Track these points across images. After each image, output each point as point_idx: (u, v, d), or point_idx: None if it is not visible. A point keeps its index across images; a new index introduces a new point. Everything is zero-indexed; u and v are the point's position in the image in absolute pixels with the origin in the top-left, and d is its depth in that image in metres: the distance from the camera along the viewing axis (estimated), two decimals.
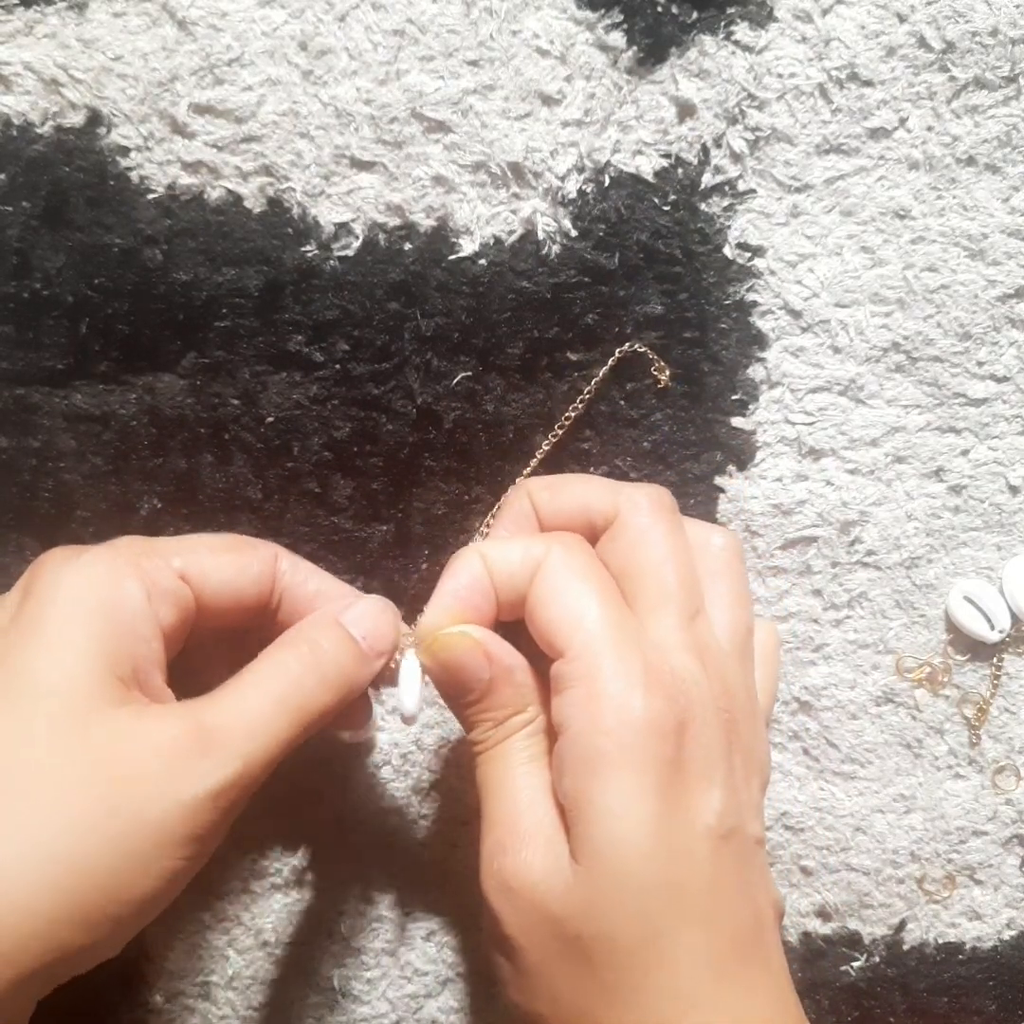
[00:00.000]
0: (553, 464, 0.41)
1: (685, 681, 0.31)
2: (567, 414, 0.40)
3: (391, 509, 0.41)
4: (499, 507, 0.38)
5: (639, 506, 0.33)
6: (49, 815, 0.27)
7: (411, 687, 0.34)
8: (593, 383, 0.40)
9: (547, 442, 0.41)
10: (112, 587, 0.30)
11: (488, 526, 0.39)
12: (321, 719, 0.31)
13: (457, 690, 0.33)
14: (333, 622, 0.33)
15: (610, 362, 0.40)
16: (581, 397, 0.40)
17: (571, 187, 0.40)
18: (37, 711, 0.28)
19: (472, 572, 0.33)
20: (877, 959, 0.43)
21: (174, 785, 0.28)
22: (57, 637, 0.29)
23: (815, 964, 0.43)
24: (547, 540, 0.33)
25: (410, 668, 0.34)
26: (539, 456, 0.40)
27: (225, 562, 0.32)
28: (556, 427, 0.40)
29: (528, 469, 0.41)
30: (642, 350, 0.40)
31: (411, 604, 0.37)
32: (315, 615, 0.33)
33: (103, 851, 0.27)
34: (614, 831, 0.29)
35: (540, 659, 0.33)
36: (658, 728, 0.29)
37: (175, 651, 0.32)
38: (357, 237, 0.40)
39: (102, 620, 0.29)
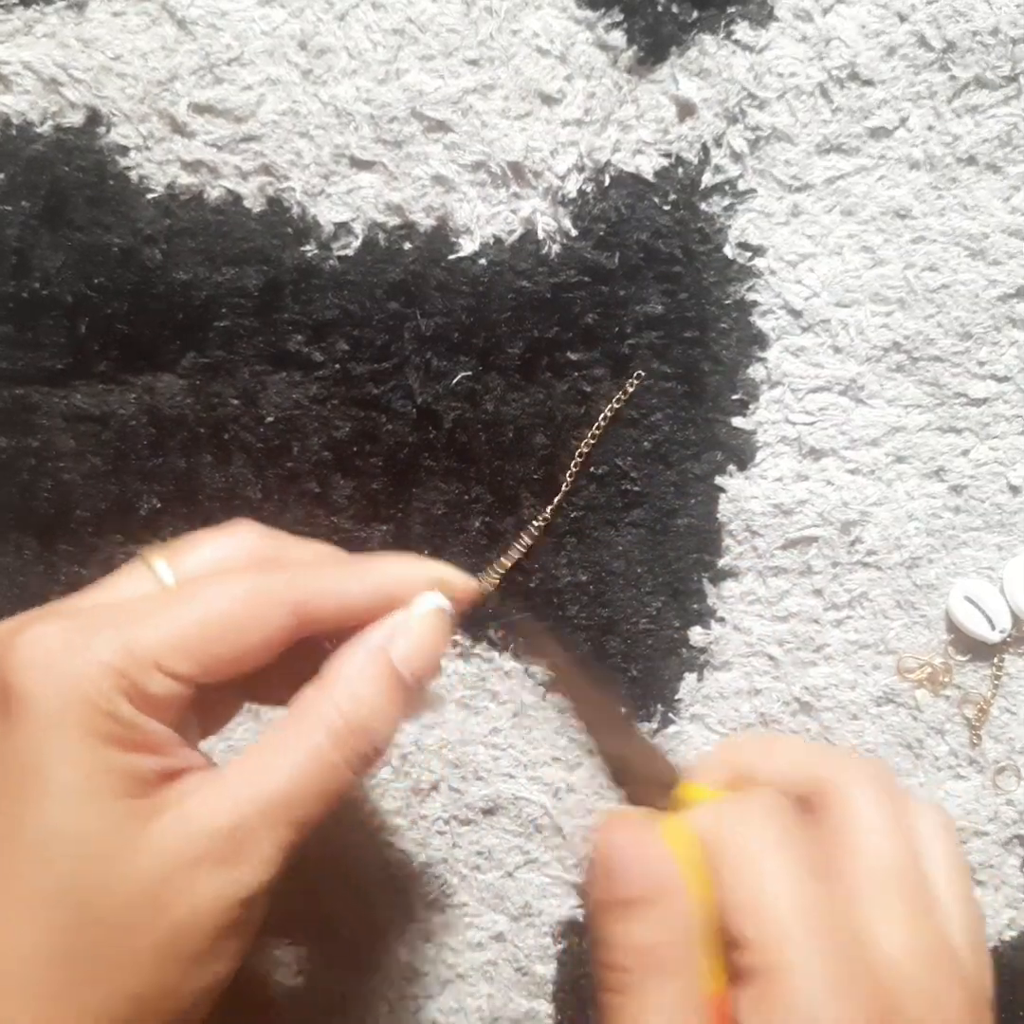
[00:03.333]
0: (554, 465, 0.41)
1: (896, 985, 0.25)
2: (581, 448, 0.41)
3: (391, 509, 0.41)
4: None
5: (856, 777, 0.29)
6: (100, 962, 0.26)
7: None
8: (607, 410, 0.40)
9: (569, 473, 0.41)
10: (101, 703, 0.27)
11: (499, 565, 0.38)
12: (357, 780, 0.29)
13: (607, 880, 0.28)
14: (372, 669, 0.29)
15: (620, 395, 0.40)
16: (596, 426, 0.40)
17: (571, 187, 0.40)
18: (55, 864, 0.26)
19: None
20: None
21: (208, 907, 0.27)
22: (60, 777, 0.26)
23: None
24: (730, 803, 0.28)
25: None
26: (565, 487, 0.41)
27: (222, 644, 0.28)
28: (573, 462, 0.41)
29: (551, 506, 0.41)
30: (649, 382, 0.40)
31: None
32: (352, 656, 0.30)
33: (153, 982, 0.27)
34: None
35: None
36: None
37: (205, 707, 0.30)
38: (357, 237, 0.40)
39: (103, 742, 0.27)
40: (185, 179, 0.39)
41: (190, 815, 0.27)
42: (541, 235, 0.40)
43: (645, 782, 0.30)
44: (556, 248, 0.40)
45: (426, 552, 0.41)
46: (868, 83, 0.40)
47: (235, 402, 0.40)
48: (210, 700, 0.29)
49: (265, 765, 0.28)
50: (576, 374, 0.41)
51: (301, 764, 0.28)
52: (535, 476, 0.41)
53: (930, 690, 0.42)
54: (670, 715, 0.42)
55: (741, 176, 0.40)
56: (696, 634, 0.42)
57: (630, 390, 0.40)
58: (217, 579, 0.29)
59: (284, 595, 0.29)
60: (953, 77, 0.40)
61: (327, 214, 0.39)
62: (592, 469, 0.41)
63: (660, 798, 0.31)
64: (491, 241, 0.40)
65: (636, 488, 0.41)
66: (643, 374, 0.40)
